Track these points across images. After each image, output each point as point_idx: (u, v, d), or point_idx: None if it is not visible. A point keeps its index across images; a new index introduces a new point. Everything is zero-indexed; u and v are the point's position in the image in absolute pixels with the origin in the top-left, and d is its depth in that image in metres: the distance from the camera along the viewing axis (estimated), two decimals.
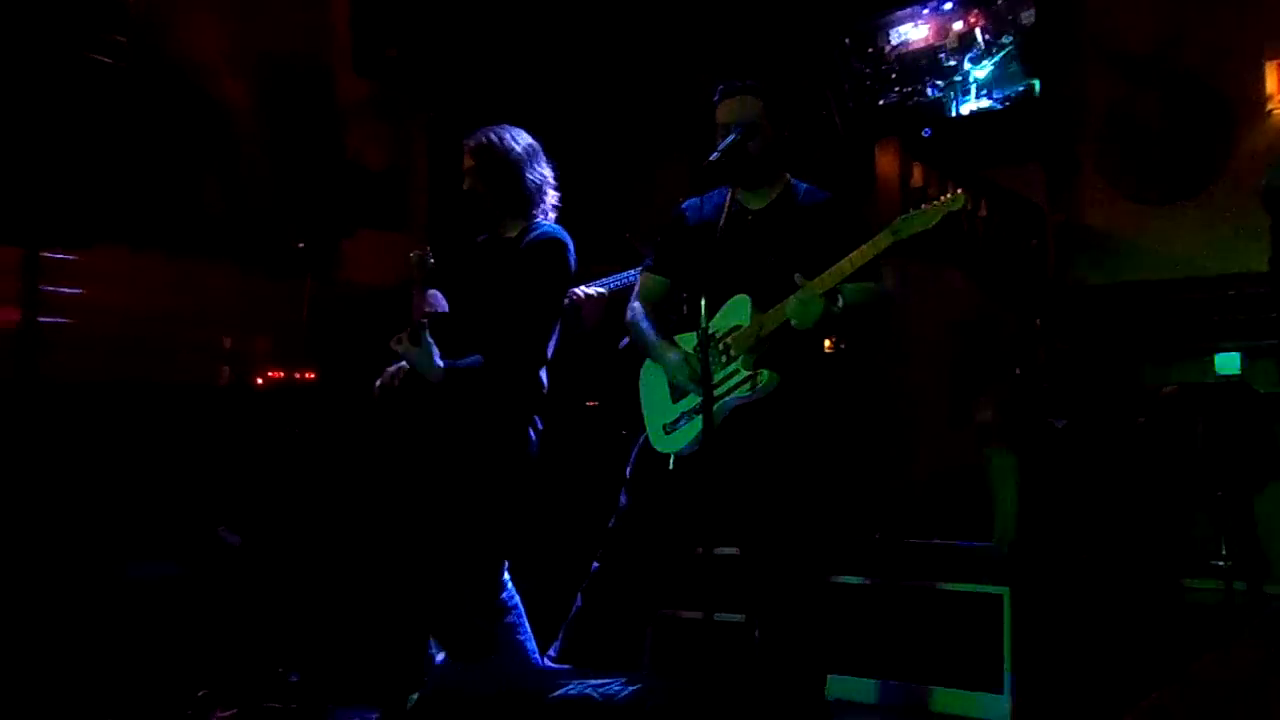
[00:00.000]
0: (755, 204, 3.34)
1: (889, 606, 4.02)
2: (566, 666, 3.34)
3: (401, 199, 5.77)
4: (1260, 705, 2.46)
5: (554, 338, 3.45)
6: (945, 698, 3.86)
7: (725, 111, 3.28)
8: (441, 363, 3.19)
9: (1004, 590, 3.80)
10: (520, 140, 3.46)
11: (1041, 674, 3.80)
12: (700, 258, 3.26)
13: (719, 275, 3.22)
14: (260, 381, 4.86)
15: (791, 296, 3.07)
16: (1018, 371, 5.16)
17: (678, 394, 3.29)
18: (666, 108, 6.34)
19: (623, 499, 3.39)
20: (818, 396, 3.30)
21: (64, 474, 4.02)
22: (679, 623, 4.21)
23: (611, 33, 6.34)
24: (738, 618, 3.59)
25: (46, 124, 3.92)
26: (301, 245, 4.43)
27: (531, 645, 3.35)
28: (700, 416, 3.01)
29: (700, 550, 3.29)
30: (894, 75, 6.23)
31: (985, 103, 6.00)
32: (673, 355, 3.26)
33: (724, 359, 3.22)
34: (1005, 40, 5.88)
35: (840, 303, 3.09)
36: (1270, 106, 5.44)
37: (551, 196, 3.52)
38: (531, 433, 3.39)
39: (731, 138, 3.17)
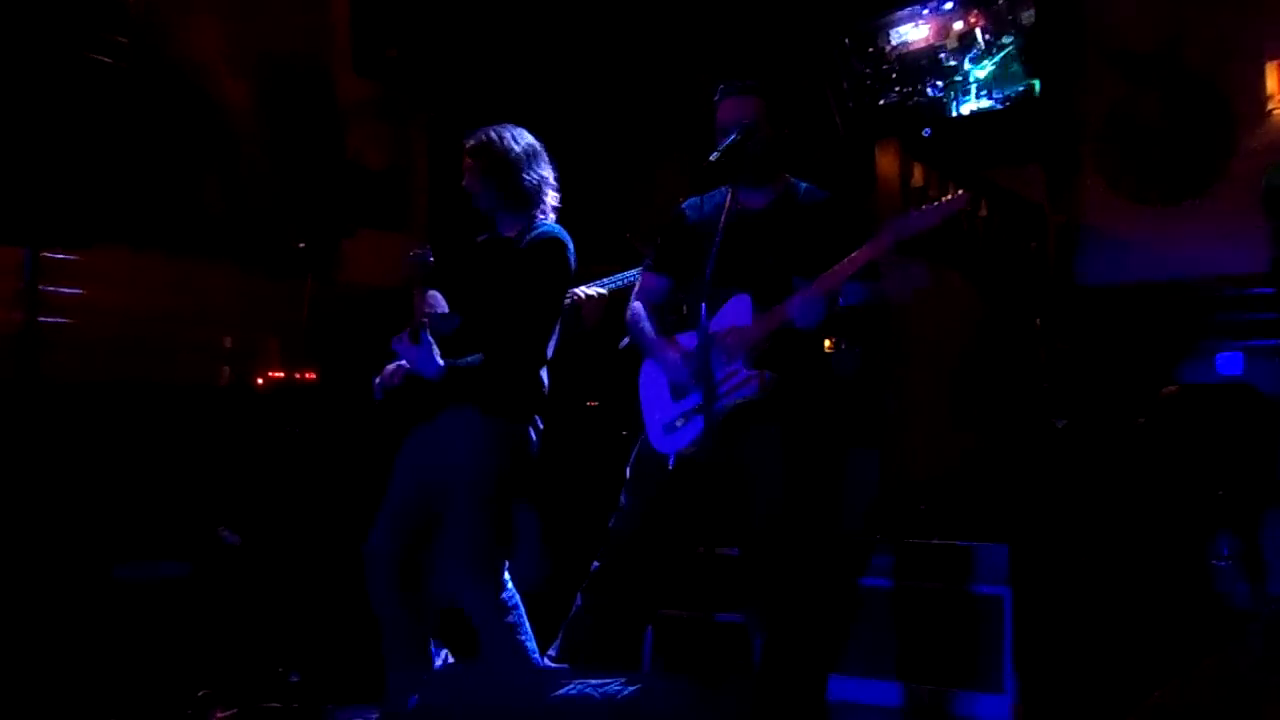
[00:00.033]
0: (755, 204, 3.34)
1: (889, 607, 4.02)
2: (566, 666, 3.34)
3: (402, 199, 5.77)
4: (1260, 705, 2.46)
5: (554, 338, 3.45)
6: (946, 698, 3.86)
7: (725, 111, 3.28)
8: (441, 362, 3.19)
9: (1004, 590, 3.80)
10: (520, 140, 3.46)
11: (1042, 674, 3.80)
12: (701, 257, 3.26)
13: (719, 275, 3.22)
14: (260, 382, 4.86)
15: (793, 296, 3.07)
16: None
17: (678, 394, 3.28)
18: (666, 108, 6.33)
19: (623, 499, 3.39)
20: (818, 396, 3.30)
21: (64, 474, 4.03)
22: (679, 623, 4.21)
23: (611, 33, 6.34)
24: (738, 618, 3.59)
25: (47, 124, 3.91)
26: (302, 245, 4.43)
27: (532, 645, 3.35)
28: (701, 416, 3.01)
29: (700, 550, 3.29)
30: (894, 75, 6.22)
31: (985, 103, 5.99)
32: (673, 355, 3.25)
33: (724, 358, 3.22)
34: (1006, 40, 5.88)
35: (840, 303, 3.09)
36: (1271, 107, 5.44)
37: (551, 197, 3.51)
38: (532, 433, 3.39)
39: (732, 138, 3.16)
